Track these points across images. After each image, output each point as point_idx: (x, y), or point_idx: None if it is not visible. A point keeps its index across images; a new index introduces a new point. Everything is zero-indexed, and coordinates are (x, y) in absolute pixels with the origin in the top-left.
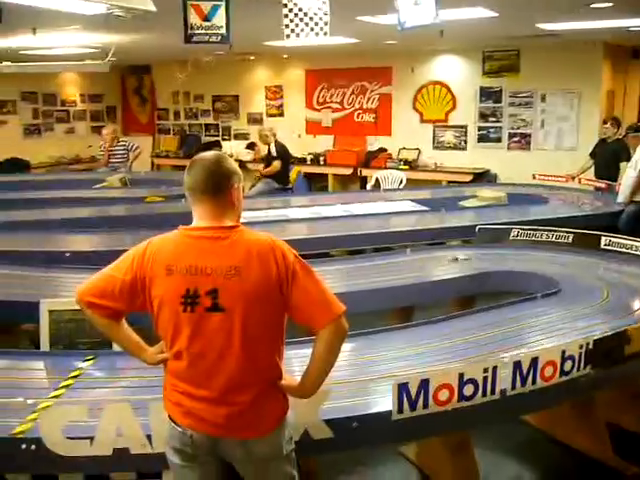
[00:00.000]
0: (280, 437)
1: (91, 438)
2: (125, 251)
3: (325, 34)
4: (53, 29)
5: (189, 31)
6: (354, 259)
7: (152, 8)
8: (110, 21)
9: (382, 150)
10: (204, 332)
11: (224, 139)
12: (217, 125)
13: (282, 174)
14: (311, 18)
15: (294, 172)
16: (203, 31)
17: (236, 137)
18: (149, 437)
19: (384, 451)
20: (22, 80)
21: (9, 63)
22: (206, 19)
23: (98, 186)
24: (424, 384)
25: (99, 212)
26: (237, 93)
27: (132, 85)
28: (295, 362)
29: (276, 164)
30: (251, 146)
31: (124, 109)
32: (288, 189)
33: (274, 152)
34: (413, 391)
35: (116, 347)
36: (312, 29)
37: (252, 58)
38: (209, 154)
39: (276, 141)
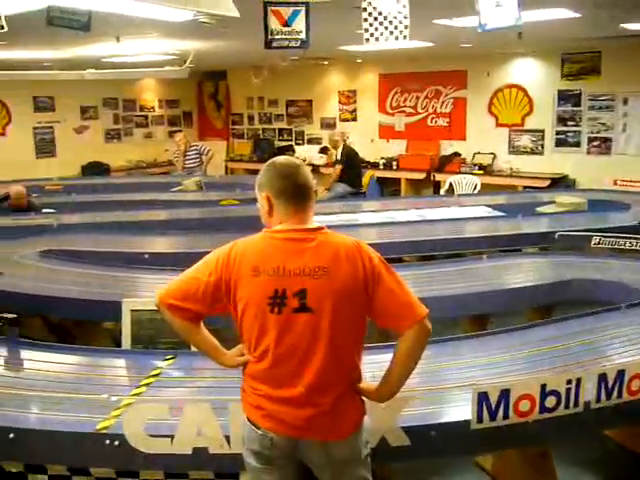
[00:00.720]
0: (358, 440)
1: (171, 436)
2: (202, 253)
3: (405, 37)
4: (135, 37)
5: (269, 36)
6: (427, 265)
7: (236, 14)
8: (195, 27)
9: (456, 155)
10: (291, 333)
11: (297, 143)
12: (290, 130)
13: (354, 178)
14: (390, 22)
15: (367, 176)
16: (283, 36)
17: (309, 142)
18: (227, 438)
19: (460, 461)
20: (103, 86)
21: (93, 70)
22: (286, 24)
23: (174, 189)
24: (504, 394)
25: (175, 215)
26: (310, 98)
27: (208, 91)
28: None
29: (337, 168)
30: (324, 150)
31: (200, 114)
32: (361, 193)
33: (339, 156)
34: (493, 401)
35: (194, 348)
36: (391, 33)
37: (326, 63)
38: (291, 160)
39: (344, 145)
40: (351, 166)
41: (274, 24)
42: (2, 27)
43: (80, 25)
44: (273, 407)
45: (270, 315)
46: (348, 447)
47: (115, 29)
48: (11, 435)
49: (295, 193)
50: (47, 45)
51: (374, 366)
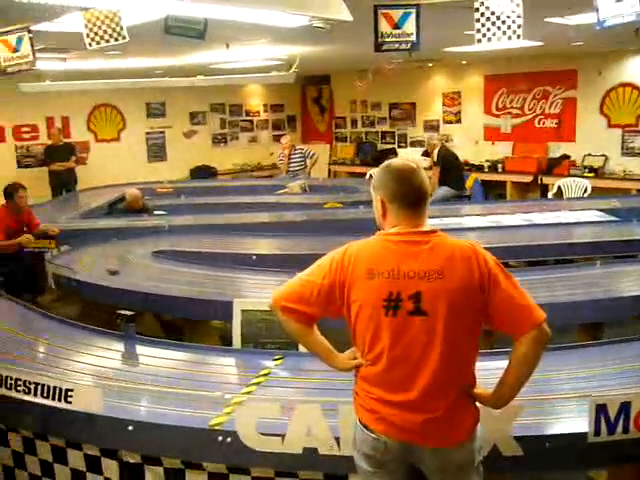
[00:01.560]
0: (472, 447)
1: (282, 435)
2: (307, 255)
3: (518, 37)
4: (244, 44)
5: (379, 39)
6: (536, 270)
7: (349, 18)
8: (304, 33)
9: (565, 157)
10: (406, 336)
11: (400, 146)
12: (393, 133)
13: (455, 181)
14: (503, 22)
15: (471, 179)
16: (393, 39)
17: (412, 144)
18: (337, 439)
19: (571, 475)
20: (211, 92)
21: (202, 77)
22: (396, 27)
23: (279, 192)
24: (625, 407)
25: (280, 217)
26: (414, 100)
27: (312, 95)
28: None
29: (434, 170)
30: (427, 153)
31: (303, 118)
32: (465, 196)
33: (435, 159)
34: (612, 413)
35: (302, 349)
36: (504, 33)
37: (430, 65)
38: (406, 163)
39: (441, 147)
40: (449, 168)
41: (384, 27)
42: (124, 37)
43: (196, 33)
44: (386, 411)
45: (384, 318)
46: (462, 453)
47: (226, 36)
48: (130, 427)
49: (409, 197)
50: (160, 53)
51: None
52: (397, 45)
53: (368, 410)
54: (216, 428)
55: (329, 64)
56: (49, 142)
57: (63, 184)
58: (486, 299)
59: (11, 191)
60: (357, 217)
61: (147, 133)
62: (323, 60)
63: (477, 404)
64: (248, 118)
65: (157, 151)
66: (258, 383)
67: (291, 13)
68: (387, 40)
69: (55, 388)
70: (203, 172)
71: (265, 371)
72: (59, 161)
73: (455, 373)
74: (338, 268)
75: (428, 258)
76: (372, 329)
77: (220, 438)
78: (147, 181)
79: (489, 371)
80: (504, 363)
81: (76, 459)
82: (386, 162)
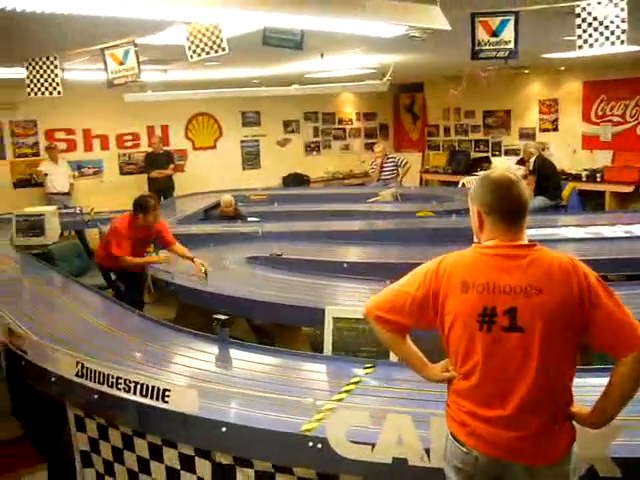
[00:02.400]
0: (567, 467)
1: (372, 444)
2: (399, 264)
3: (622, 43)
4: (339, 53)
5: (476, 47)
6: (636, 285)
7: (447, 27)
8: (401, 41)
9: None
10: (500, 352)
11: (494, 155)
12: (487, 141)
13: (552, 191)
14: (607, 27)
15: (568, 189)
16: (491, 47)
17: (506, 153)
18: (427, 451)
19: None
20: (305, 101)
21: (297, 86)
22: (494, 34)
23: (371, 200)
24: None
25: (372, 225)
26: (509, 108)
27: (404, 103)
28: None
29: (529, 179)
30: (522, 162)
31: (396, 126)
32: (561, 207)
33: (531, 167)
34: None
35: (393, 358)
36: (607, 38)
37: (526, 71)
38: (505, 175)
39: (537, 156)
40: (545, 178)
41: (482, 35)
42: (224, 49)
43: (293, 44)
44: (478, 425)
45: (478, 332)
46: (555, 473)
47: (321, 46)
48: (223, 429)
49: (507, 209)
50: (257, 64)
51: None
52: (495, 53)
53: (459, 423)
54: (307, 434)
55: (422, 72)
56: (149, 150)
57: (161, 190)
58: (586, 316)
59: (146, 206)
60: (449, 226)
61: (242, 141)
62: (416, 68)
63: (573, 422)
64: (341, 126)
65: (251, 159)
66: (348, 391)
67: (390, 24)
68: (484, 48)
69: (153, 388)
70: (296, 180)
71: (355, 379)
72: (158, 168)
73: (551, 390)
74: (432, 279)
75: (525, 273)
76: (465, 343)
77: (311, 444)
78: (241, 188)
79: (587, 388)
80: (603, 381)
81: (171, 457)
82: (484, 172)
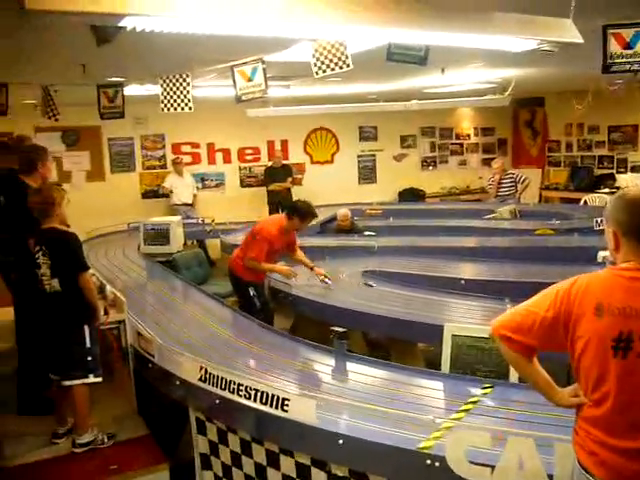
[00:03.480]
0: None
1: (492, 467)
2: (519, 283)
3: None
4: (460, 67)
5: (608, 60)
6: None
7: (580, 40)
8: (526, 55)
9: None
10: (635, 380)
11: (619, 172)
12: (612, 157)
13: None
14: None
15: None
16: (624, 60)
17: (632, 169)
18: (550, 477)
19: None
20: (422, 116)
21: (417, 101)
22: (627, 47)
23: (488, 216)
24: None
25: (489, 242)
26: (636, 122)
27: (524, 118)
28: None
29: None
30: None
31: (514, 142)
32: None
33: None
34: None
35: (513, 378)
36: None
37: None
38: None
39: None
40: None
41: (614, 47)
42: (349, 66)
43: (417, 59)
44: (608, 455)
45: (612, 359)
46: None
47: (442, 60)
48: (340, 441)
49: None
50: (377, 79)
51: None
52: (628, 66)
53: (588, 452)
54: (425, 451)
55: (543, 86)
56: (269, 164)
57: (279, 203)
58: None
59: (307, 212)
60: (570, 245)
61: (358, 156)
62: (537, 82)
63: None
64: (458, 141)
65: (367, 173)
66: (467, 410)
67: (521, 38)
68: (617, 61)
69: (273, 396)
70: (411, 195)
71: (474, 398)
72: (277, 182)
73: None
74: (564, 301)
75: None
76: (598, 369)
77: (428, 462)
78: (357, 202)
79: None
80: None
81: (288, 465)
82: (621, 191)
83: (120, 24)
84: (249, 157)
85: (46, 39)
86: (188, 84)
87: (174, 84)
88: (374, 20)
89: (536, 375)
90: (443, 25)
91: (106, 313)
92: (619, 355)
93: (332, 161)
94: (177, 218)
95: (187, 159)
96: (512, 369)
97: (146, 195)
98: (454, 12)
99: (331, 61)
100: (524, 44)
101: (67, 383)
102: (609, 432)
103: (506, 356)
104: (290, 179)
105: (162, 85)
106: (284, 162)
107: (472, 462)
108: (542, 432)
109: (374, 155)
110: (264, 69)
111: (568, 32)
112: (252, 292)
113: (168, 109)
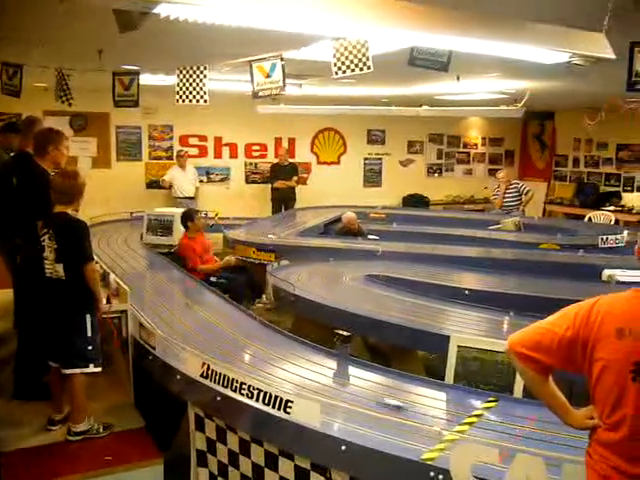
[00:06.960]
0: None
1: None
2: (523, 297)
3: None
4: (475, 76)
5: (633, 78)
6: None
7: (612, 55)
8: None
9: None
10: None
11: (625, 190)
12: (619, 175)
13: None
14: None
15: None
16: None
17: (638, 189)
18: None
19: None
20: (431, 123)
21: (428, 107)
22: None
23: (492, 227)
24: None
25: (491, 253)
26: None
27: (533, 130)
28: None
29: None
30: None
31: (522, 153)
32: None
33: None
34: None
35: (517, 393)
36: None
37: None
38: None
39: None
40: None
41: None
42: (369, 67)
43: (439, 65)
44: None
45: (631, 383)
46: None
47: (460, 69)
48: (343, 447)
49: None
50: (392, 83)
51: None
52: None
53: (602, 476)
54: (428, 463)
55: (555, 100)
56: (275, 161)
57: (283, 201)
58: None
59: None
60: (574, 261)
61: (365, 159)
62: (550, 95)
63: None
64: (465, 150)
65: (373, 177)
66: (471, 423)
67: (555, 50)
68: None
69: (276, 397)
70: (415, 201)
71: (478, 412)
72: (282, 179)
73: None
74: (583, 322)
75: None
76: (615, 393)
77: (432, 474)
78: (361, 205)
79: None
80: None
81: (287, 468)
82: None
83: (154, 11)
84: (256, 153)
85: (65, 23)
86: (205, 76)
87: (190, 76)
88: (406, 24)
89: (552, 394)
90: (479, 32)
91: (109, 302)
92: (638, 380)
93: (338, 162)
94: (181, 210)
95: (194, 152)
96: (517, 384)
97: (151, 185)
98: (491, 20)
99: (352, 62)
100: (556, 56)
101: (67, 371)
102: (626, 458)
103: (522, 374)
104: (295, 178)
105: (179, 76)
106: (290, 160)
107: (476, 477)
108: (546, 450)
109: (381, 159)
110: (283, 66)
111: (601, 47)
112: None
113: (183, 100)
